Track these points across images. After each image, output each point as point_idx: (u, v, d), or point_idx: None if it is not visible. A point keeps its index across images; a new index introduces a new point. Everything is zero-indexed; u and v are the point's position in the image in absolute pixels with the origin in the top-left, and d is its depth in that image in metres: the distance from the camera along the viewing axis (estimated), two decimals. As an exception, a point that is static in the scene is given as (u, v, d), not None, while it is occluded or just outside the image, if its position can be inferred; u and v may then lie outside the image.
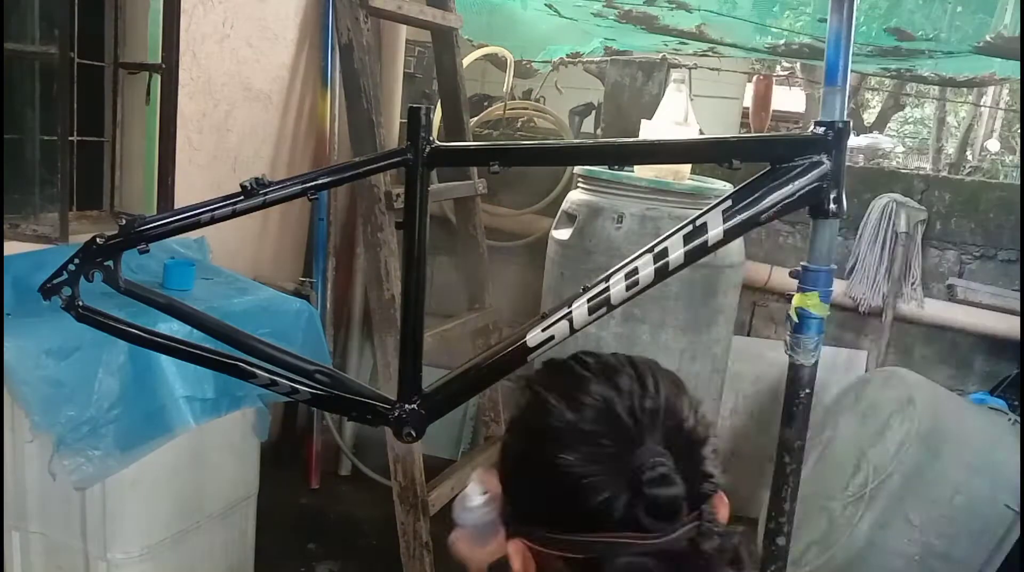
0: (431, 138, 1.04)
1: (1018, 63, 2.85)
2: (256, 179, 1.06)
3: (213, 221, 1.10)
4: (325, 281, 3.00)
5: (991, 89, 6.02)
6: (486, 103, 3.68)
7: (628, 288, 0.93)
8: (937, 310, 2.94)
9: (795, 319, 0.92)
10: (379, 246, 2.27)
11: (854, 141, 4.76)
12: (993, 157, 5.87)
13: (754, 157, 0.95)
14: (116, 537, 1.78)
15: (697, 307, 2.49)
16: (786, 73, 5.31)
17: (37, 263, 1.73)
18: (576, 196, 2.65)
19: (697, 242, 0.91)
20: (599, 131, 3.44)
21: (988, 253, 2.94)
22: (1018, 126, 6.28)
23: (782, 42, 3.15)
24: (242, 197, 1.06)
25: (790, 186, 0.89)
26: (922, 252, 2.95)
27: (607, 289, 0.94)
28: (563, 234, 2.62)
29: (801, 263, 0.92)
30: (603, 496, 0.66)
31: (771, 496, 0.96)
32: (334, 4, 2.64)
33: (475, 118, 3.31)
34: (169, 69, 2.27)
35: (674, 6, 2.98)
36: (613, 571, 0.66)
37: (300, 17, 2.80)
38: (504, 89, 3.59)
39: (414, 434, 1.04)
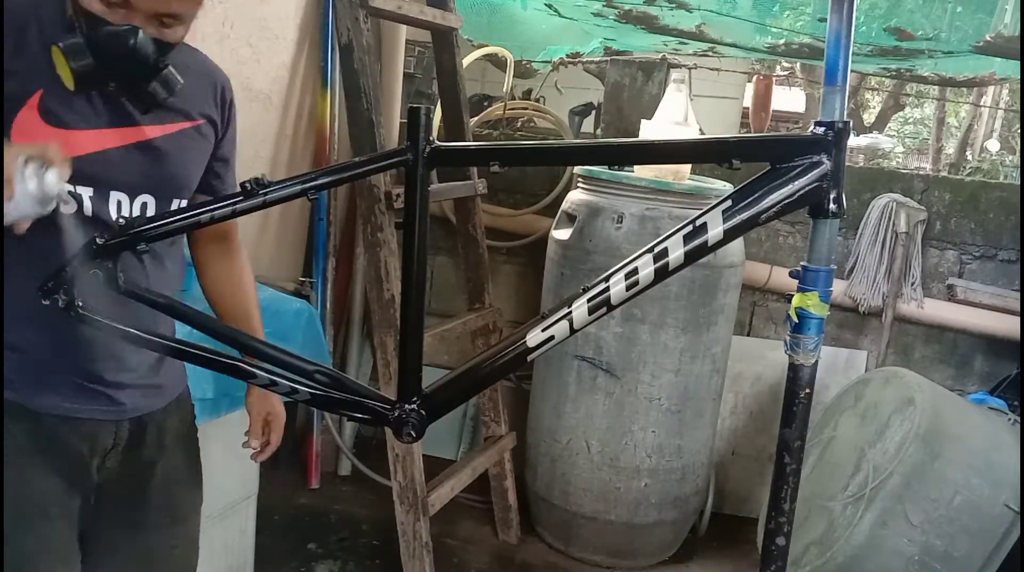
0: (431, 138, 1.04)
1: (1018, 63, 2.85)
2: (256, 179, 1.05)
3: (213, 221, 1.10)
4: (325, 281, 2.99)
5: (991, 89, 6.03)
6: (486, 103, 3.68)
7: (628, 288, 0.93)
8: (937, 310, 2.94)
9: (795, 319, 0.92)
10: (379, 246, 2.27)
11: (854, 141, 4.76)
12: (993, 157, 5.86)
13: (754, 157, 0.95)
14: (116, 537, 1.78)
15: (697, 307, 2.49)
16: (786, 73, 5.32)
17: (37, 263, 1.72)
18: (576, 196, 2.65)
19: (697, 242, 0.91)
20: (599, 131, 3.44)
21: (988, 253, 2.94)
22: (1018, 126, 6.28)
23: (782, 42, 3.15)
24: (242, 197, 1.06)
25: (790, 186, 0.89)
26: (922, 252, 2.95)
27: (607, 289, 0.93)
28: (563, 234, 2.62)
29: (801, 263, 0.92)
30: None
31: (771, 496, 0.95)
32: (334, 4, 2.64)
33: (475, 118, 3.31)
34: (169, 69, 2.26)
35: (674, 6, 2.98)
36: None
37: (300, 17, 2.80)
38: (504, 89, 3.59)
39: (414, 434, 1.03)
